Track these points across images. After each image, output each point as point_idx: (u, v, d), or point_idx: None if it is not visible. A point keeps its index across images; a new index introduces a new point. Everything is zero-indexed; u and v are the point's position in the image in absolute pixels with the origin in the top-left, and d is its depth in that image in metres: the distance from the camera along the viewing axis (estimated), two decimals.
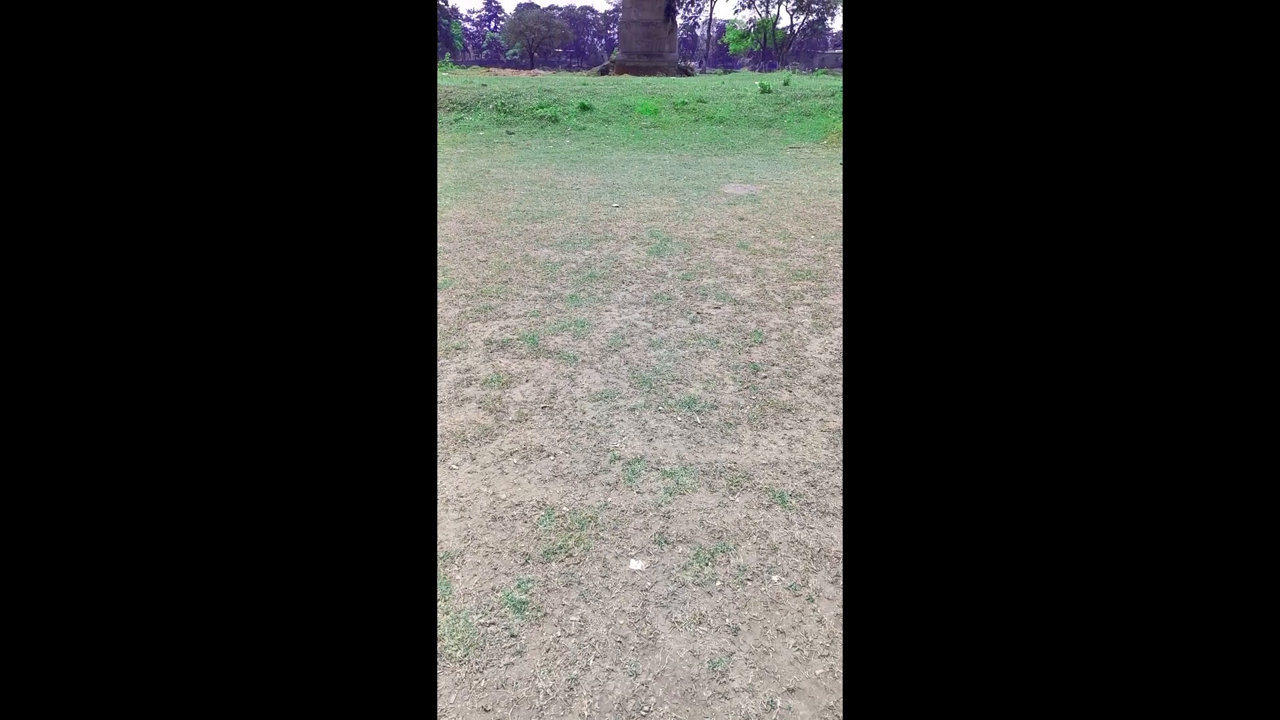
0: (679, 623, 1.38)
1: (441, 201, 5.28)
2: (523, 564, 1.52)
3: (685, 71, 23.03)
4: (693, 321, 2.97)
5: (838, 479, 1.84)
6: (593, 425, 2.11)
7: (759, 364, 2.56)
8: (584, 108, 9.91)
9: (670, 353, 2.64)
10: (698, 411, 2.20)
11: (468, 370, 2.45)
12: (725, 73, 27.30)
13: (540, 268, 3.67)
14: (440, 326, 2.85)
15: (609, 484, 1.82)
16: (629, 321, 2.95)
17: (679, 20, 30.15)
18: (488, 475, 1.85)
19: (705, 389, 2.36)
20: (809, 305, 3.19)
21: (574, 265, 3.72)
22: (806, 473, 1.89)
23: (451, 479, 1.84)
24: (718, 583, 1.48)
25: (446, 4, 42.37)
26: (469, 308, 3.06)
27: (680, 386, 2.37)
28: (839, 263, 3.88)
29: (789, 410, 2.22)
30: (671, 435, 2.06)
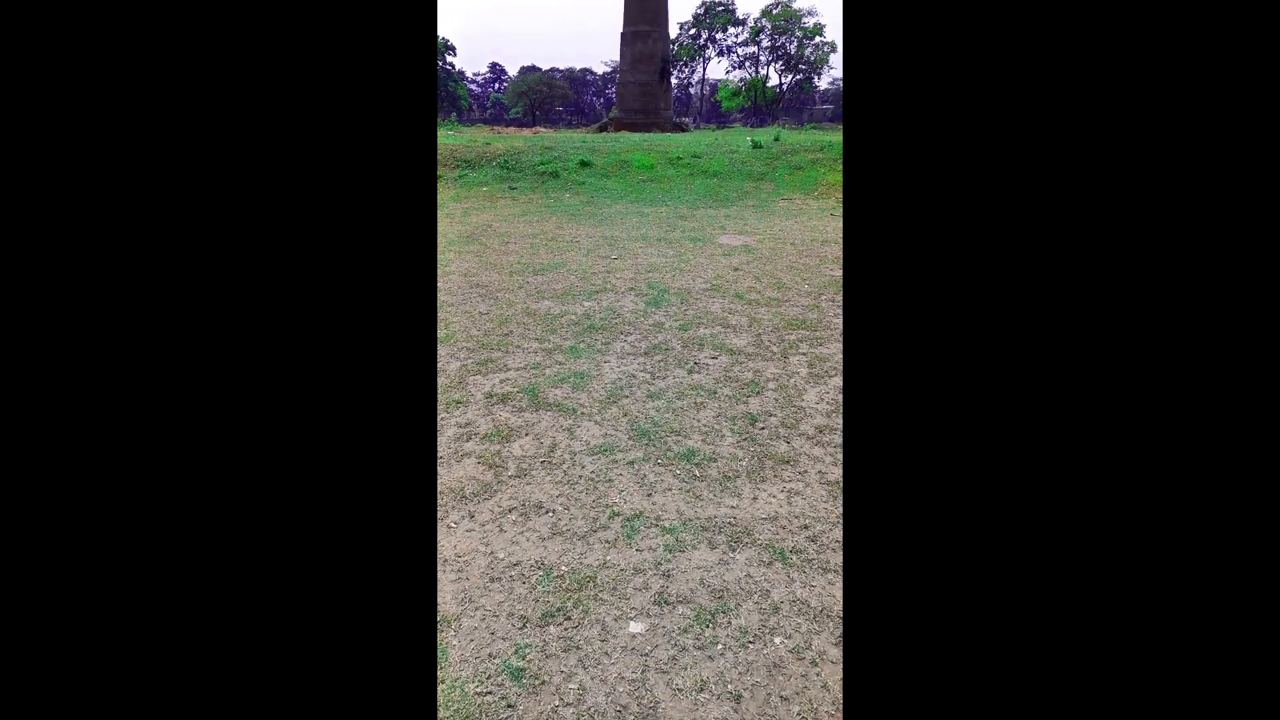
0: (680, 690, 1.34)
1: (445, 255, 5.41)
2: (520, 627, 1.49)
3: (680, 127, 23.98)
4: (690, 372, 3.00)
5: (838, 533, 1.82)
6: (592, 480, 2.10)
7: (756, 414, 2.57)
8: (583, 164, 10.28)
9: (668, 404, 2.65)
10: (696, 464, 2.20)
11: (468, 424, 2.46)
12: (718, 128, 28.45)
13: (541, 319, 3.72)
14: (441, 380, 2.87)
15: (608, 541, 1.79)
16: (628, 372, 2.98)
17: (673, 80, 31.63)
18: (486, 533, 1.83)
19: (704, 441, 2.36)
20: (804, 355, 3.23)
21: (574, 317, 3.78)
22: (806, 527, 1.87)
23: (450, 538, 1.81)
24: (719, 646, 1.45)
25: (453, 67, 44.52)
26: (470, 360, 3.10)
27: (679, 439, 2.37)
28: (833, 312, 3.94)
29: (787, 462, 2.22)
30: (670, 489, 2.05)
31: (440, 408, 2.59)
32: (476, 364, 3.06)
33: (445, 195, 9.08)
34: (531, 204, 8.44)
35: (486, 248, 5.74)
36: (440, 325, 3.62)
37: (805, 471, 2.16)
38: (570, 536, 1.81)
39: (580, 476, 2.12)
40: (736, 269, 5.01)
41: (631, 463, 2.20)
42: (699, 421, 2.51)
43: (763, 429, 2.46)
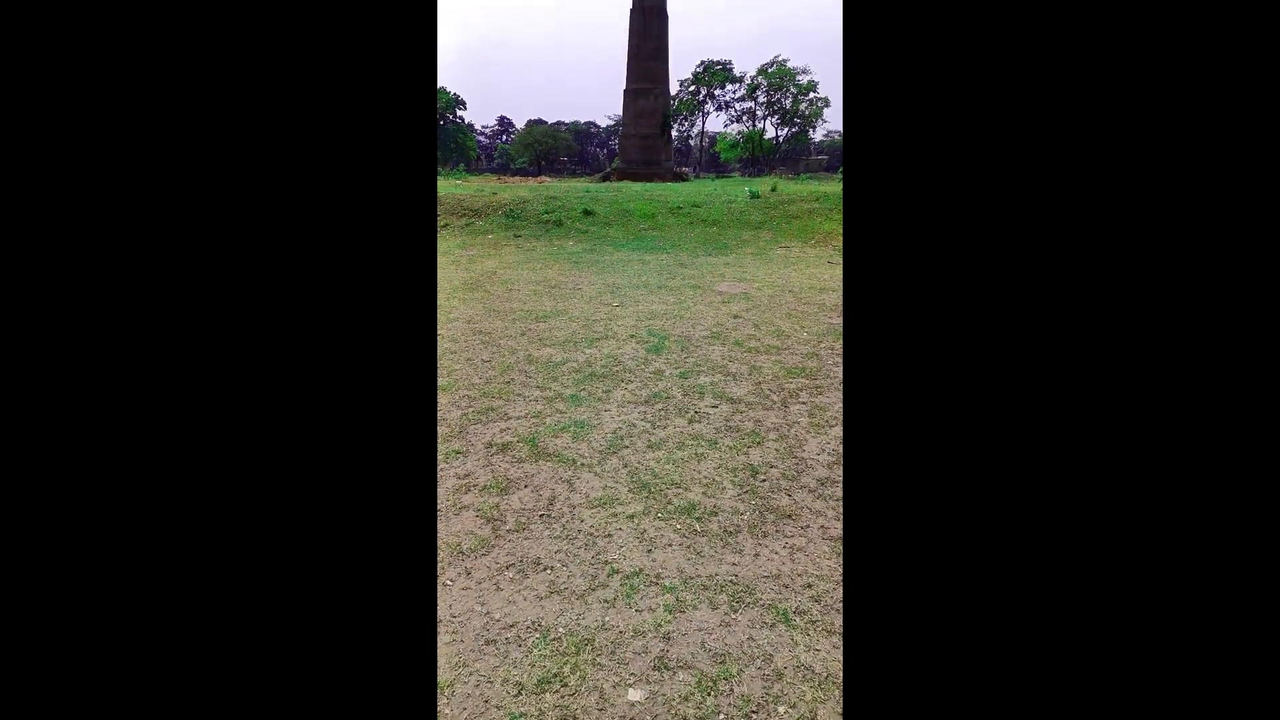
0: None
1: (450, 302, 5.50)
2: (515, 695, 1.44)
3: (680, 177, 24.73)
4: (690, 421, 2.99)
5: (842, 593, 1.78)
6: (591, 535, 2.06)
7: (757, 466, 2.54)
8: (587, 212, 10.55)
9: (669, 454, 2.64)
10: (697, 519, 2.16)
11: (467, 475, 2.44)
12: (717, 177, 29.32)
13: (542, 367, 3.74)
14: (442, 430, 2.86)
15: (607, 601, 1.75)
16: (628, 421, 2.97)
17: (673, 132, 32.86)
18: (482, 592, 1.79)
19: (704, 493, 2.33)
20: (805, 403, 3.23)
21: (575, 364, 3.81)
22: (810, 586, 1.82)
23: (445, 596, 1.77)
24: (721, 716, 1.39)
25: (463, 121, 46.37)
26: (471, 409, 3.10)
27: (679, 491, 2.34)
28: (832, 360, 3.96)
29: (789, 516, 2.19)
30: (671, 545, 2.01)
31: (440, 458, 2.57)
32: (477, 413, 3.06)
33: (452, 243, 9.29)
34: (536, 251, 8.62)
35: (490, 295, 5.83)
36: (443, 373, 3.64)
37: (807, 526, 2.13)
38: (568, 595, 1.77)
39: (579, 531, 2.08)
40: (736, 316, 5.06)
41: (631, 517, 2.17)
42: (700, 473, 2.48)
43: (764, 481, 2.43)
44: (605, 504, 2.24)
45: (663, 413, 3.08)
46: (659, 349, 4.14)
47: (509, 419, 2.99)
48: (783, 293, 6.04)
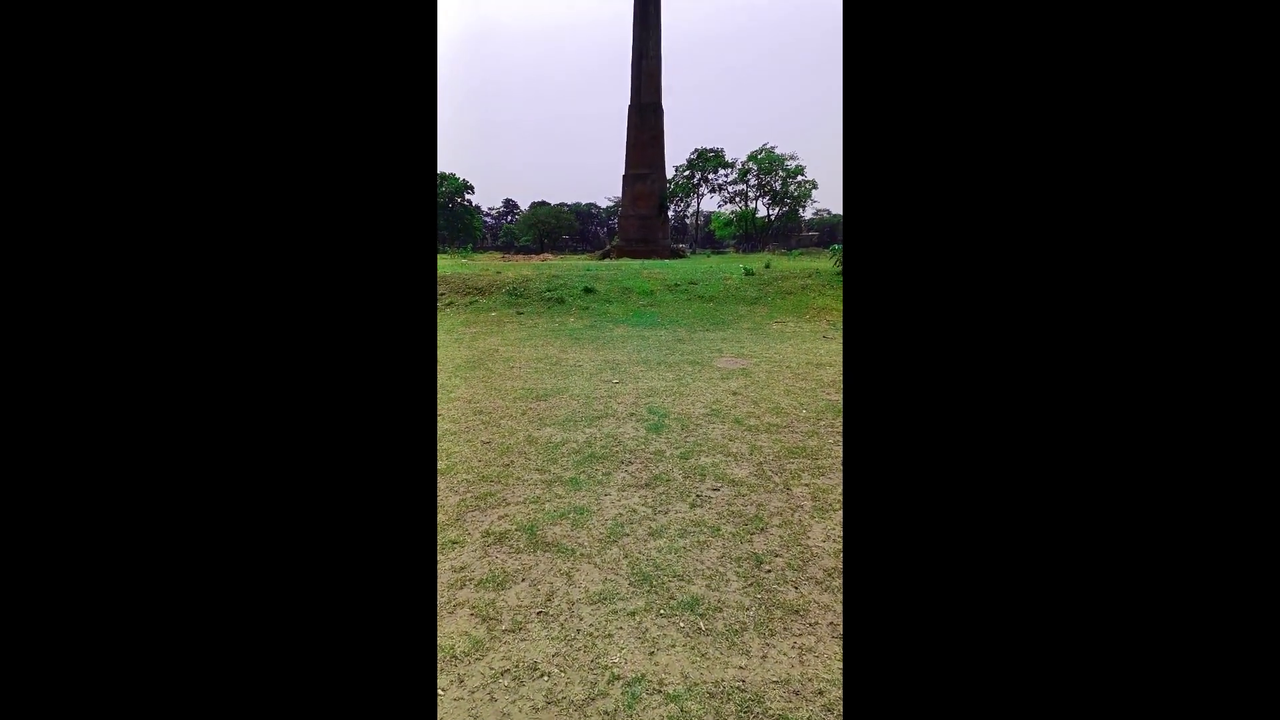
0: None
1: (452, 381, 5.53)
2: None
3: (677, 253, 25.64)
4: (692, 506, 2.93)
5: None
6: (590, 635, 1.96)
7: (762, 555, 2.46)
8: (587, 290, 10.86)
9: (670, 543, 2.56)
10: (701, 615, 2.07)
11: (463, 569, 2.36)
12: (713, 254, 30.34)
13: (542, 449, 3.71)
14: (439, 517, 2.80)
15: (607, 713, 1.64)
16: (628, 507, 2.91)
17: (670, 212, 34.46)
18: (475, 703, 1.68)
19: (708, 586, 2.24)
20: (807, 485, 3.17)
21: (575, 445, 3.78)
22: (822, 693, 1.71)
23: (437, 709, 1.66)
24: None
25: (470, 203, 48.75)
26: (469, 494, 3.04)
27: (681, 584, 2.25)
28: (833, 439, 3.94)
29: (797, 612, 2.09)
30: (674, 646, 1.91)
31: (437, 548, 2.50)
32: (475, 498, 3.00)
33: (456, 320, 9.49)
34: (537, 328, 8.78)
35: (492, 373, 5.88)
36: (442, 456, 3.60)
37: (816, 623, 2.03)
38: (566, 706, 1.66)
39: (578, 631, 1.98)
40: (735, 393, 5.08)
41: (632, 613, 2.07)
42: (702, 564, 2.40)
43: (769, 572, 2.34)
44: (605, 599, 2.15)
45: (663, 496, 3.02)
46: (659, 428, 4.12)
47: (507, 505, 2.93)
48: (780, 368, 6.10)
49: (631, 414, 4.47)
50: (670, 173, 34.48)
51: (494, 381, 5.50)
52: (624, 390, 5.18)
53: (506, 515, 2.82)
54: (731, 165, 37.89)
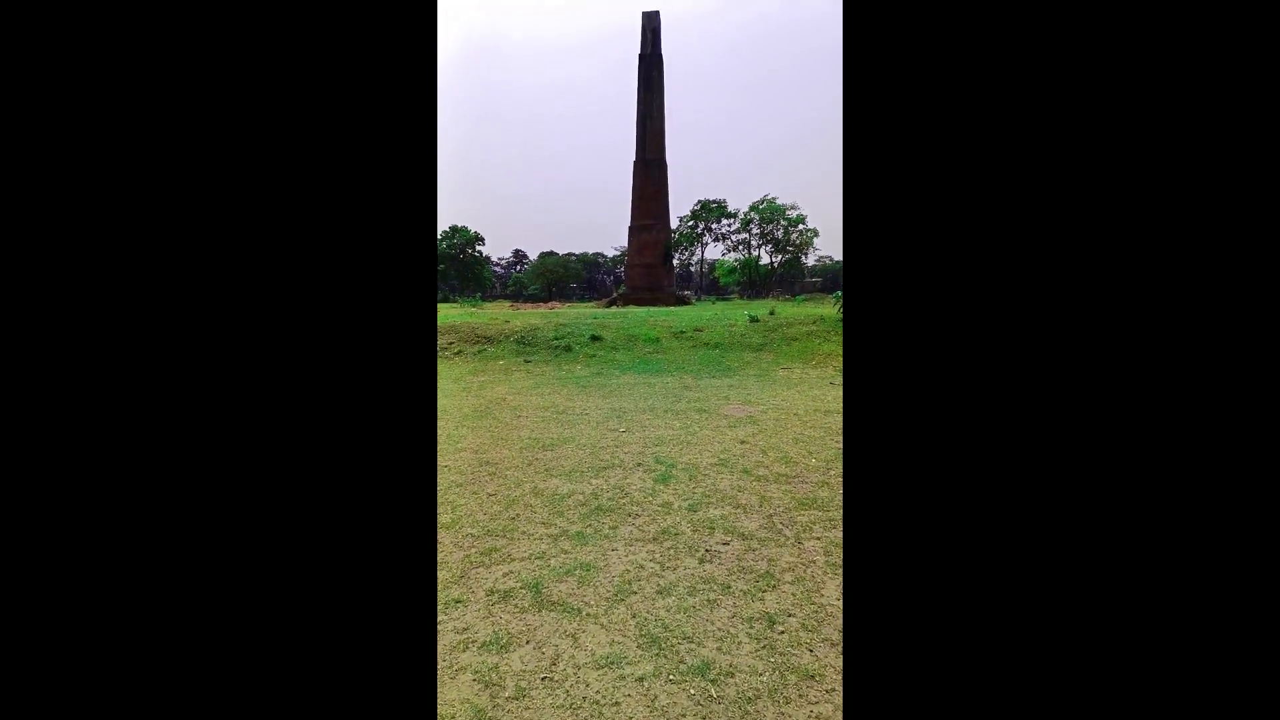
0: None
1: (459, 431, 5.52)
2: None
3: (682, 300, 25.99)
4: (701, 561, 2.85)
5: None
6: (596, 702, 1.88)
7: (775, 615, 2.37)
8: (594, 338, 10.96)
9: (679, 601, 2.47)
10: (712, 681, 1.98)
11: (465, 629, 2.28)
12: (717, 300, 30.69)
13: (548, 501, 3.66)
14: (442, 574, 2.73)
15: None
16: (636, 563, 2.83)
17: (674, 260, 35.17)
18: None
19: (719, 649, 2.15)
20: (819, 539, 3.09)
21: (581, 497, 3.72)
22: None
23: None
24: None
25: (481, 254, 50.03)
26: (474, 549, 2.98)
27: (691, 647, 2.16)
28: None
29: (812, 677, 1.99)
30: (685, 716, 1.82)
31: (440, 607, 2.43)
32: (480, 554, 2.93)
33: (464, 369, 9.56)
34: (545, 376, 8.82)
35: (499, 422, 5.87)
36: (447, 509, 3.55)
37: (833, 689, 1.93)
38: None
39: (584, 699, 1.90)
40: (743, 442, 5.03)
41: (640, 679, 1.98)
42: (713, 624, 2.31)
43: (782, 633, 2.25)
44: (612, 664, 2.07)
45: (672, 551, 2.95)
46: (666, 478, 4.06)
47: (512, 560, 2.86)
48: (788, 416, 6.05)
49: (639, 464, 4.42)
50: (674, 223, 35.43)
51: (501, 431, 5.48)
52: (631, 439, 5.14)
53: (511, 572, 2.75)
54: (734, 215, 38.94)
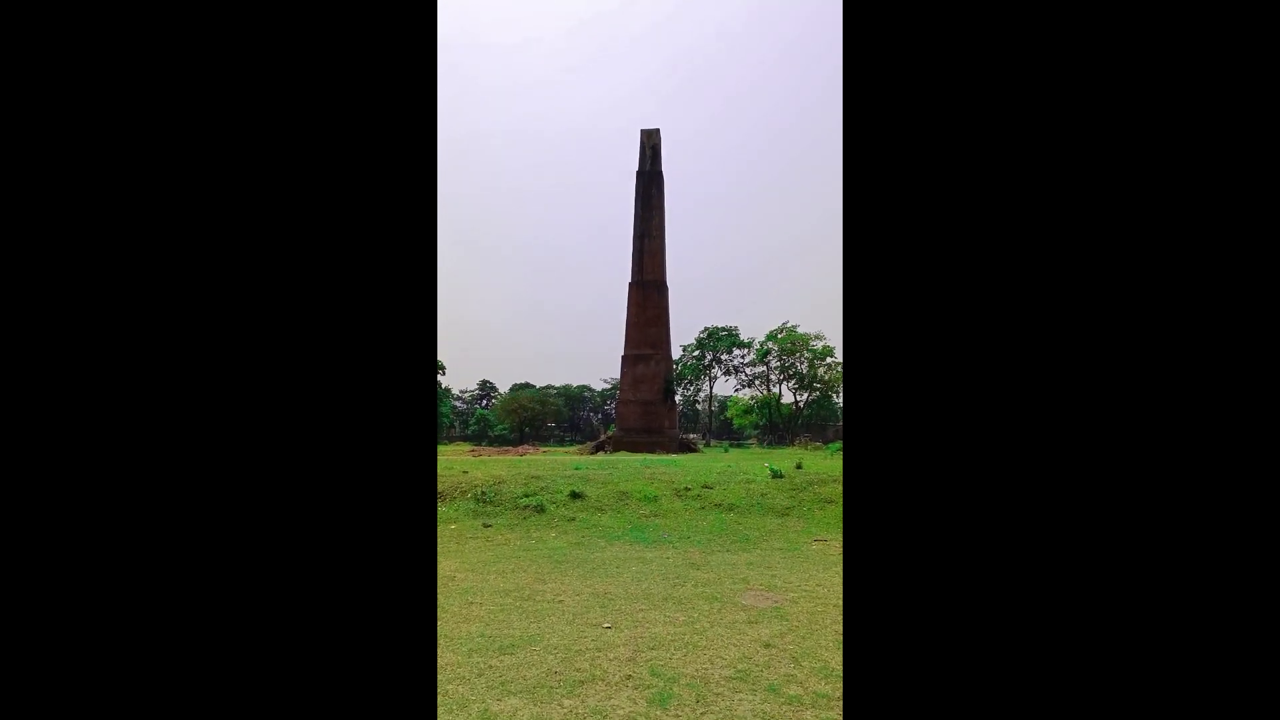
0: None
1: None
2: None
3: (687, 446, 26.05)
4: None
5: None
6: None
7: None
8: (574, 495, 10.75)
9: None
10: None
11: None
12: (731, 446, 30.82)
13: None
14: None
15: None
16: None
17: (678, 397, 35.85)
18: None
19: None
20: None
21: None
22: None
23: None
24: None
25: (440, 385, 51.05)
26: None
27: None
28: None
29: None
30: None
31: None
32: None
33: None
34: (508, 547, 8.49)
35: (444, 611, 5.52)
36: None
37: None
38: None
39: None
40: (768, 645, 4.69)
41: None
42: None
43: None
44: None
45: None
46: (665, 699, 3.72)
47: None
48: (825, 607, 5.73)
49: (628, 676, 4.07)
50: (677, 353, 36.71)
51: (445, 625, 5.13)
52: (618, 639, 4.80)
53: None
54: (748, 345, 40.46)
